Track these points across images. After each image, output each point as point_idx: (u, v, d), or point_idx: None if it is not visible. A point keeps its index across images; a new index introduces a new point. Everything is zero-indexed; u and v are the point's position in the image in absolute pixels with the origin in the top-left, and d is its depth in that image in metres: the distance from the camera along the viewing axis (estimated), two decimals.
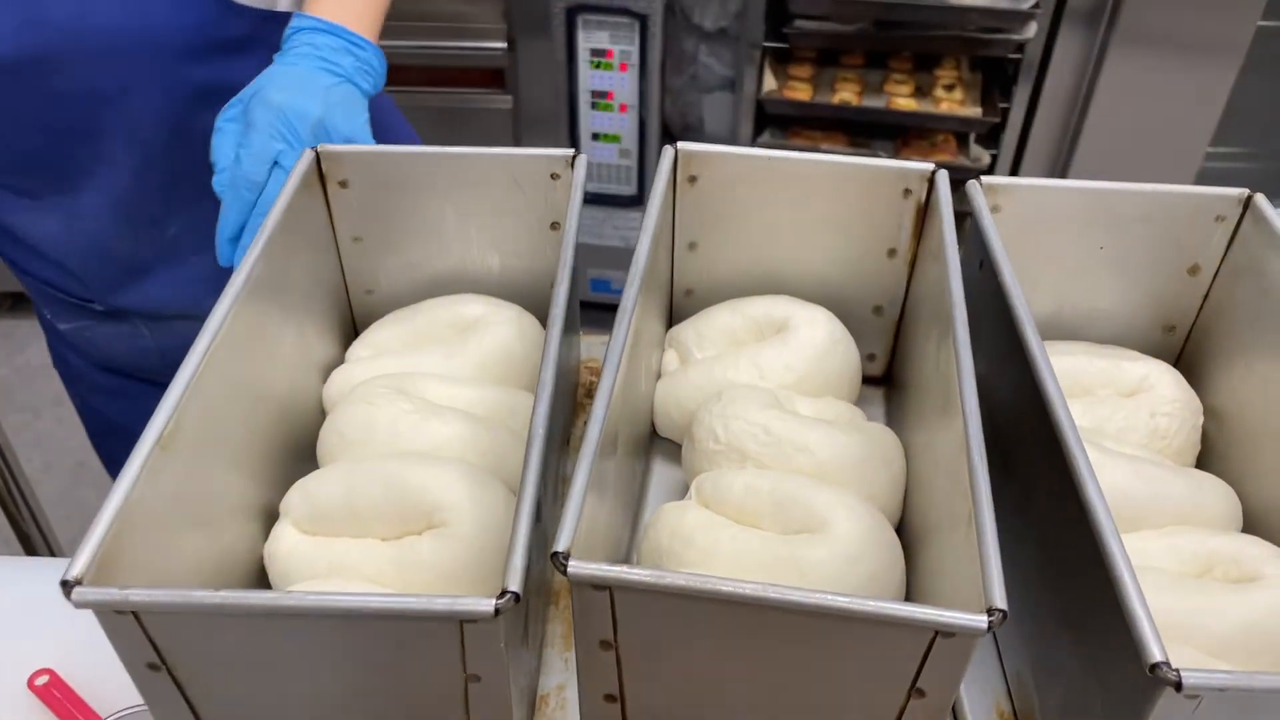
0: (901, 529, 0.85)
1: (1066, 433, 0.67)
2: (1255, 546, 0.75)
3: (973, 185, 0.88)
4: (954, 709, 0.79)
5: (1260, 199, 0.86)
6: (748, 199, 0.94)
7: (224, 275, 0.77)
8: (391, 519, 0.77)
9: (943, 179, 0.88)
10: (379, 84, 0.99)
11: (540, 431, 0.67)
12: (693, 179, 0.93)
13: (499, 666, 0.61)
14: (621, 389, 0.76)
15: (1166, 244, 0.90)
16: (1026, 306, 0.76)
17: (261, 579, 0.79)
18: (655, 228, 0.83)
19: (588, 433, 0.66)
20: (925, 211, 0.91)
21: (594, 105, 2.45)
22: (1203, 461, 0.90)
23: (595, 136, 2.50)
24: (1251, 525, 0.82)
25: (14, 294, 2.86)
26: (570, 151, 0.89)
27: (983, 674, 0.80)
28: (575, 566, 0.59)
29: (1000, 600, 0.56)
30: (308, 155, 0.87)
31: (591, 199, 2.52)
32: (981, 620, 0.56)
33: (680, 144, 0.91)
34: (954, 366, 0.72)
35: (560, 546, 0.59)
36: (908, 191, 0.90)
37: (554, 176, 0.90)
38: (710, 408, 0.87)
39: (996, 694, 0.79)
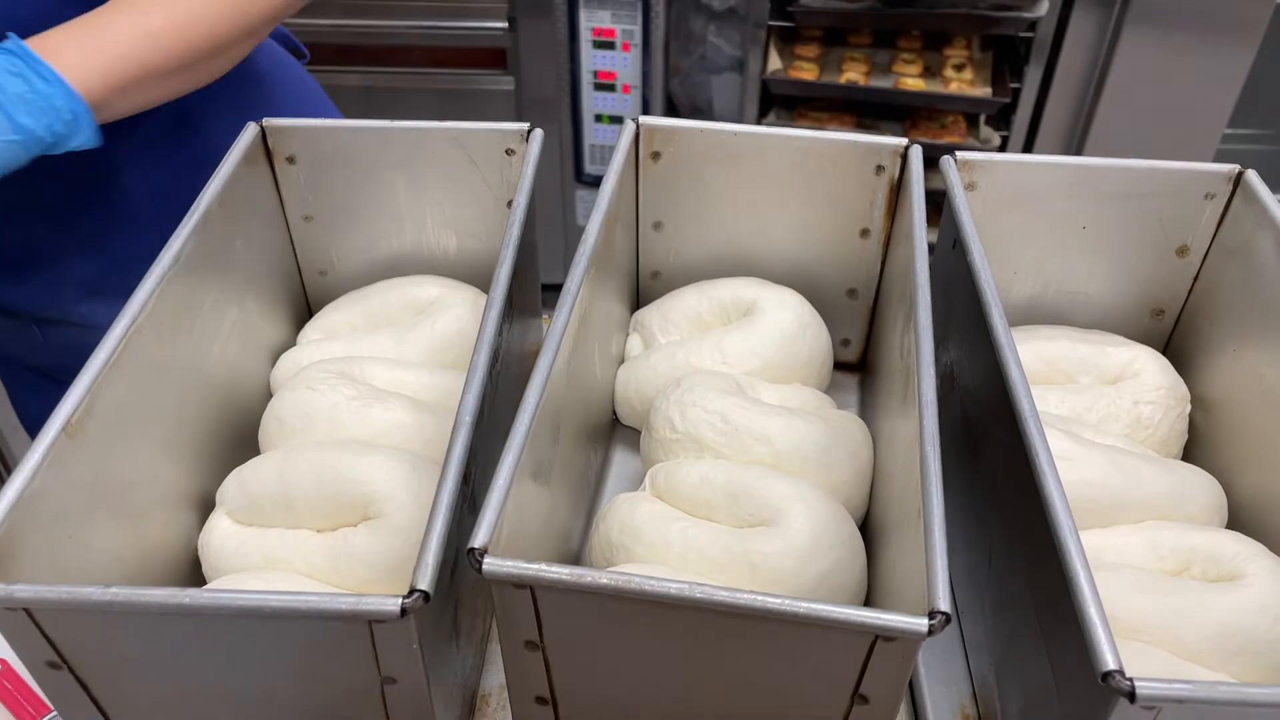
0: (868, 524, 0.81)
1: (1026, 419, 0.62)
2: (1236, 543, 0.70)
3: (946, 161, 0.83)
4: (916, 711, 0.75)
5: (1252, 175, 0.81)
6: (714, 177, 0.90)
7: (96, 281, 0.72)
8: (326, 510, 0.73)
9: (915, 154, 0.84)
10: (60, 131, 0.77)
11: (468, 418, 0.64)
12: (655, 155, 0.89)
13: (415, 668, 0.58)
14: (567, 373, 0.72)
15: (1153, 223, 0.85)
16: (994, 285, 0.72)
17: (198, 572, 0.76)
18: (610, 205, 0.79)
19: (516, 420, 0.62)
20: (899, 189, 0.87)
21: (596, 86, 2.41)
22: (1190, 452, 0.85)
23: (598, 118, 2.46)
24: (1238, 518, 0.78)
25: None
26: (524, 126, 0.85)
27: (948, 675, 0.76)
28: (491, 564, 0.55)
29: (944, 603, 0.52)
30: (251, 129, 0.84)
31: (594, 181, 2.48)
32: (922, 624, 0.52)
33: (642, 118, 0.87)
34: (914, 354, 0.67)
35: (476, 542, 0.55)
36: (880, 168, 0.86)
37: (509, 152, 0.86)
38: (668, 395, 0.83)
39: (961, 696, 0.75)
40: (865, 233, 0.90)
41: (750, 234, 0.93)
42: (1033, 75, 2.20)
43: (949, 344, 0.84)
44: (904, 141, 0.85)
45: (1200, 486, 0.76)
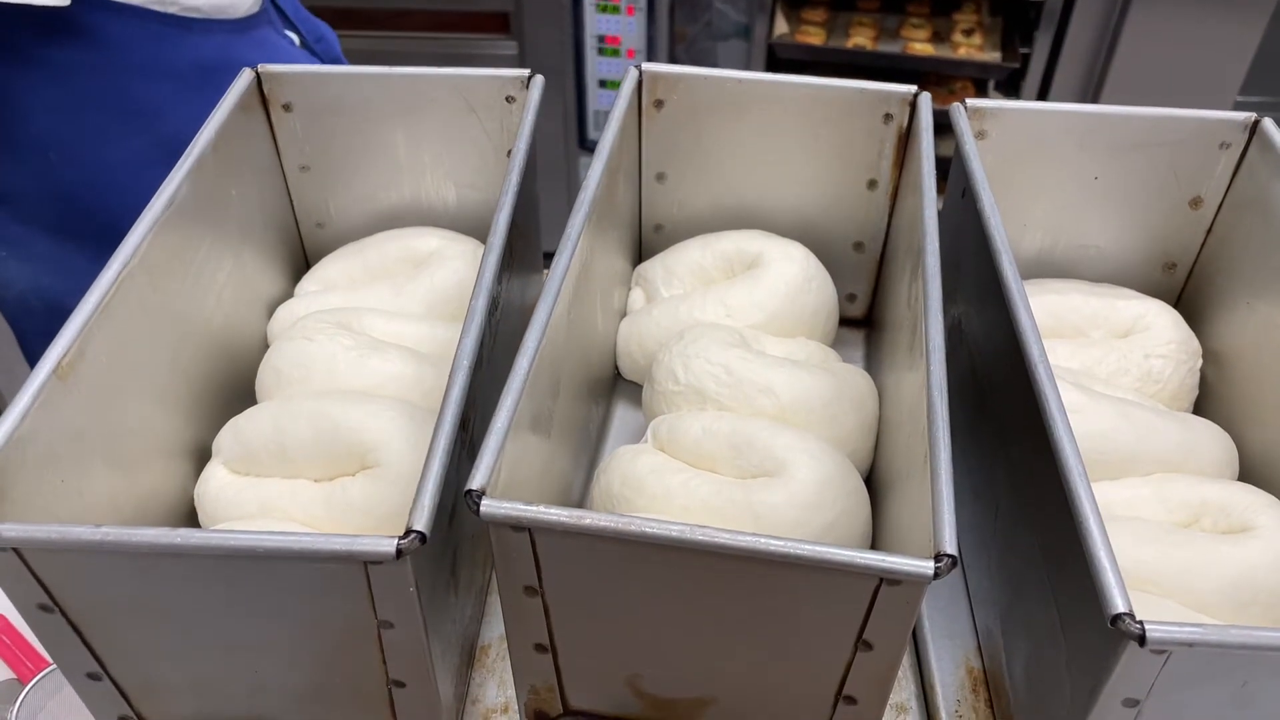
0: (873, 478, 0.80)
1: (1037, 367, 0.61)
2: (1247, 494, 0.69)
3: (956, 108, 0.82)
4: (920, 665, 0.74)
5: (1268, 124, 0.80)
6: (719, 126, 0.88)
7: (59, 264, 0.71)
8: (323, 459, 0.72)
9: (925, 101, 0.82)
10: None
11: (465, 362, 0.62)
12: (659, 103, 0.87)
13: (411, 612, 0.57)
14: (567, 324, 0.71)
15: (1166, 174, 0.83)
16: (1004, 234, 0.70)
17: (194, 522, 0.75)
18: (610, 153, 0.78)
19: (515, 364, 0.61)
20: (907, 139, 0.85)
21: (601, 51, 2.39)
22: (1201, 406, 0.84)
23: (602, 84, 2.44)
24: (1249, 472, 0.76)
25: None
26: (524, 72, 0.83)
27: (953, 629, 0.75)
28: (489, 506, 0.54)
29: (950, 545, 0.51)
30: (246, 74, 0.82)
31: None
32: (928, 566, 0.51)
33: (645, 65, 0.86)
34: (922, 301, 0.66)
35: (474, 484, 0.54)
36: (888, 116, 0.84)
37: (509, 100, 0.84)
38: (671, 347, 0.82)
39: (967, 650, 0.74)
40: (873, 184, 0.88)
41: (755, 186, 0.92)
42: (1043, 41, 2.17)
43: (957, 296, 0.82)
44: (913, 89, 0.83)
45: (1211, 439, 0.75)
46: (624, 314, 0.93)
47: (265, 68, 0.83)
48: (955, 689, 0.72)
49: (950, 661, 0.73)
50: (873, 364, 0.92)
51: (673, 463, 0.75)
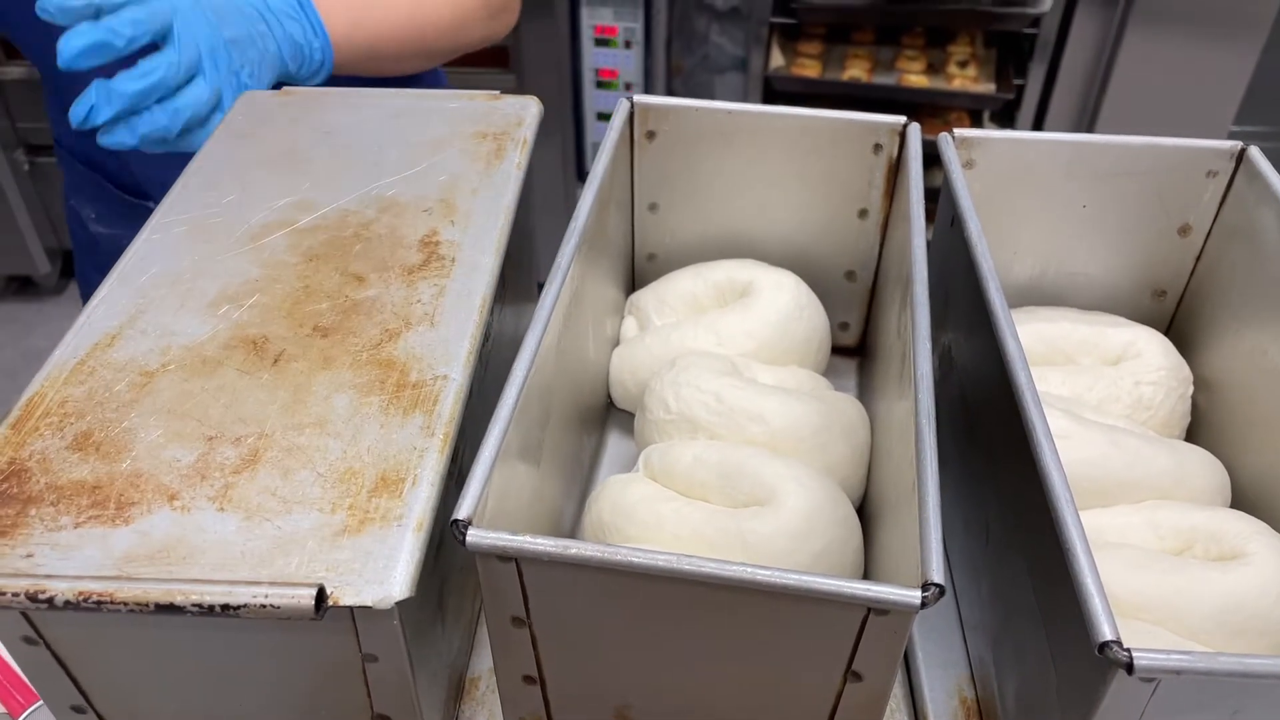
0: (865, 507, 0.80)
1: (1024, 393, 0.61)
2: (1238, 522, 0.69)
3: (944, 138, 0.82)
4: (913, 694, 0.73)
5: (1254, 151, 0.80)
6: (710, 157, 0.89)
7: None
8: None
9: (914, 132, 0.83)
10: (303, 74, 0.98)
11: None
12: (650, 134, 0.88)
13: (395, 645, 0.56)
14: (557, 352, 0.71)
15: (1154, 202, 0.84)
16: (990, 260, 0.70)
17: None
18: (602, 183, 0.78)
19: (503, 396, 0.61)
20: (897, 169, 0.85)
21: (598, 84, 2.41)
22: (1193, 434, 0.84)
23: (600, 116, 2.45)
24: (1242, 499, 0.76)
25: (20, 277, 2.85)
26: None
27: (946, 658, 0.74)
28: (475, 536, 0.54)
29: (937, 575, 0.51)
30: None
31: None
32: (915, 596, 0.51)
33: (637, 96, 0.86)
34: (911, 328, 0.66)
35: (461, 514, 0.54)
36: (878, 147, 0.85)
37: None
38: (662, 376, 0.82)
39: (959, 680, 0.73)
40: (864, 213, 0.89)
41: (747, 215, 0.92)
42: (1037, 72, 2.19)
43: (947, 324, 0.83)
44: (902, 120, 0.84)
45: (1202, 466, 0.75)
46: (617, 343, 0.93)
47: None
48: (948, 718, 0.71)
49: (943, 691, 0.73)
50: (865, 392, 0.92)
51: (664, 491, 0.75)
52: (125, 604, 0.50)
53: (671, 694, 0.62)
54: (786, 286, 0.88)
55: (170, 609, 0.50)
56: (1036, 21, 2.12)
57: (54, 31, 0.81)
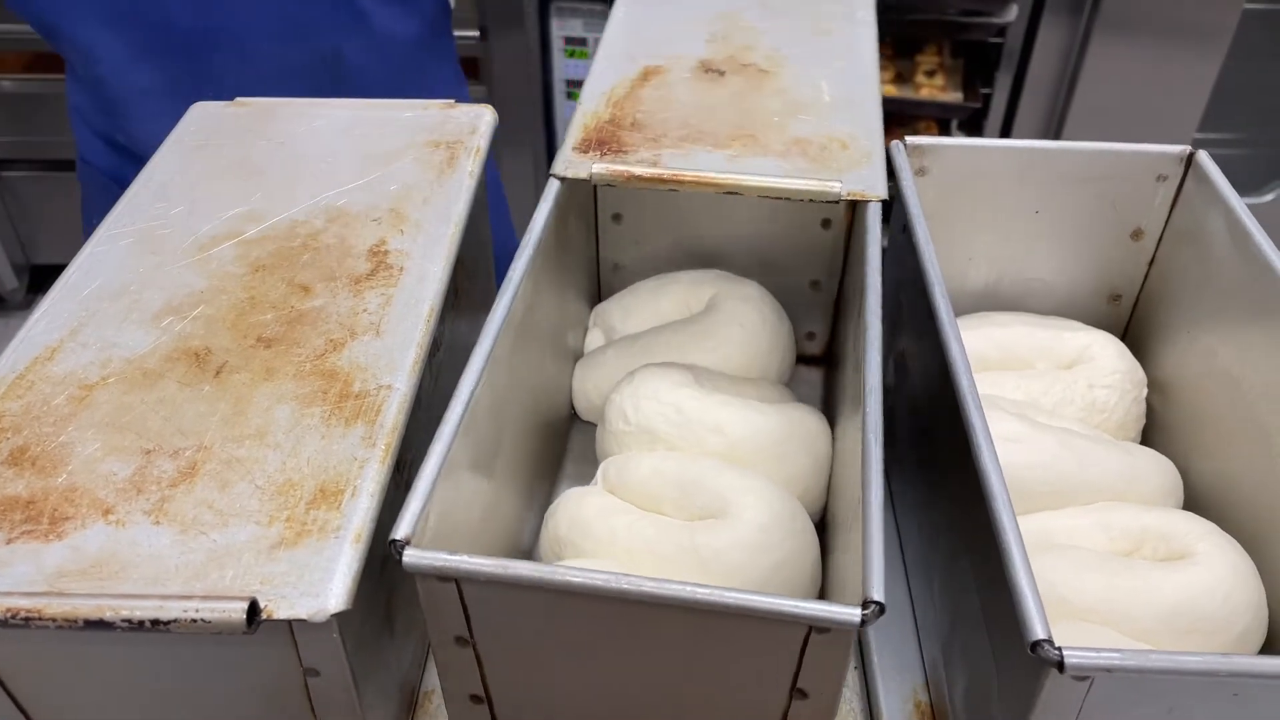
0: (826, 517, 0.80)
1: (965, 396, 0.61)
2: (1187, 522, 0.69)
3: (895, 145, 0.82)
4: (869, 698, 0.73)
5: (1202, 156, 0.81)
6: None
7: None
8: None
9: None
10: None
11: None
12: None
13: (337, 660, 0.56)
14: (510, 364, 0.70)
15: (1106, 207, 0.84)
16: (937, 265, 0.71)
17: None
18: (559, 193, 0.78)
19: (448, 411, 0.60)
20: None
21: (569, 95, 2.40)
22: (1148, 436, 0.84)
23: None
24: (1195, 501, 0.76)
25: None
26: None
27: (902, 663, 0.74)
28: (412, 556, 0.53)
29: (877, 592, 0.50)
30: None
31: None
32: (855, 614, 0.50)
33: None
34: (863, 338, 0.66)
35: (399, 534, 0.53)
36: None
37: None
38: (622, 387, 0.81)
39: (914, 684, 0.73)
40: (827, 223, 0.89)
41: (712, 225, 0.92)
42: (1003, 81, 2.20)
43: (902, 332, 0.83)
44: None
45: (1153, 468, 0.75)
46: (581, 355, 0.92)
47: None
48: None
49: (899, 696, 0.72)
50: (829, 403, 0.92)
51: (619, 504, 0.74)
52: (54, 620, 0.49)
53: (619, 712, 0.61)
54: (751, 298, 0.88)
55: (100, 625, 0.49)
56: (1002, 31, 2.13)
57: (118, 50, 0.80)
